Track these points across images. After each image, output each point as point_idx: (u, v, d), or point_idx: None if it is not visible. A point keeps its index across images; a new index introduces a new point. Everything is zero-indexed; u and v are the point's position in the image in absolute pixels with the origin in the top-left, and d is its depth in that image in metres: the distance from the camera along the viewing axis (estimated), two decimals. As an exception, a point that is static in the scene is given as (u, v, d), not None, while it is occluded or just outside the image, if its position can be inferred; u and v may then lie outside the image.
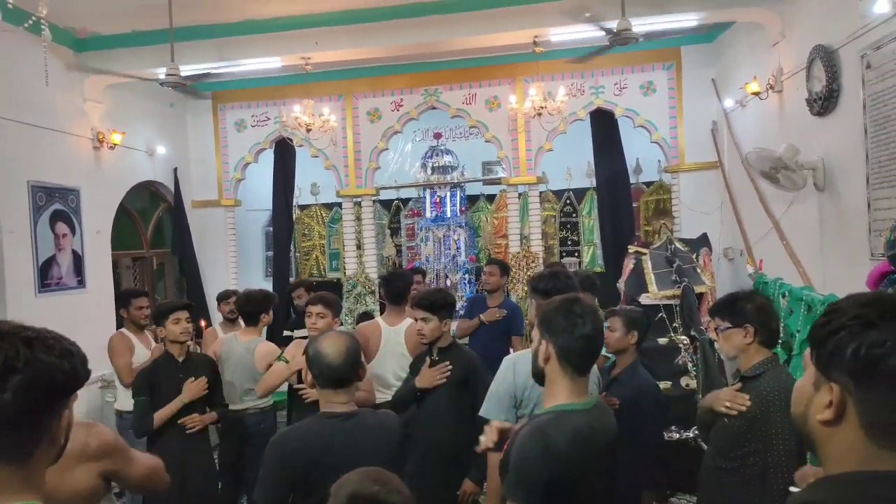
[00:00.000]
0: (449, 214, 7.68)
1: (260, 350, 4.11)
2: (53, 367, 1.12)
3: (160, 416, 3.50)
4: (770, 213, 5.39)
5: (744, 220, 6.11)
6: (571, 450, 1.76)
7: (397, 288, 4.02)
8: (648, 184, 7.74)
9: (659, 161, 7.36)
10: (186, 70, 5.27)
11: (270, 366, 3.82)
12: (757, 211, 5.64)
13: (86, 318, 5.55)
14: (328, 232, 8.54)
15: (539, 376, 1.96)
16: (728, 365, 4.92)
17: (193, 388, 3.58)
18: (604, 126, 7.12)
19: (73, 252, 5.76)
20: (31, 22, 3.83)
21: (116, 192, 6.49)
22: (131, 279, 7.07)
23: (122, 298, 4.90)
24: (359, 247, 7.63)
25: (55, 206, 5.57)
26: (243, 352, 4.14)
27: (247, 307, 4.31)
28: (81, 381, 1.20)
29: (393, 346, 3.83)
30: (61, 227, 5.63)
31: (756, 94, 5.39)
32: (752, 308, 2.42)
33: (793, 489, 1.81)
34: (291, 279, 8.16)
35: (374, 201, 7.70)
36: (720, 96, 6.49)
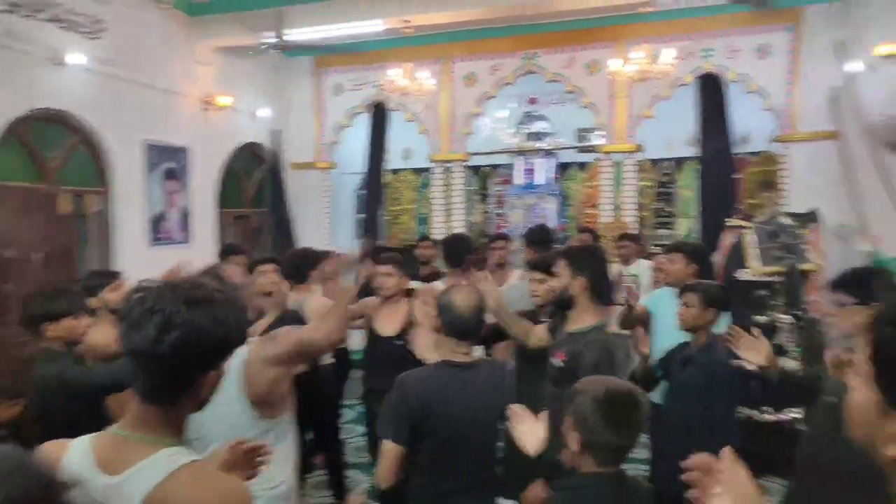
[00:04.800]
0: (542, 182, 7.54)
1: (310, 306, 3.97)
2: (206, 332, 1.19)
3: None
4: (894, 188, 4.94)
5: (864, 195, 5.63)
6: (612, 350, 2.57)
7: (455, 250, 4.02)
8: (755, 154, 7.27)
9: (770, 130, 6.89)
10: (292, 34, 5.40)
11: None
12: (878, 186, 5.18)
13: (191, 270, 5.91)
14: (418, 196, 8.61)
15: (568, 303, 2.68)
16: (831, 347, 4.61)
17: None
18: (711, 92, 6.71)
19: (182, 208, 6.12)
20: (149, -14, 4.03)
21: (222, 153, 6.81)
22: (233, 236, 7.43)
23: (223, 253, 5.16)
24: (447, 212, 7.67)
25: (166, 164, 5.92)
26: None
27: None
28: (233, 346, 1.26)
29: None
30: (171, 185, 5.99)
31: (889, 56, 4.91)
32: (884, 287, 2.26)
33: None
34: (381, 242, 8.31)
35: (464, 167, 7.68)
36: (845, 60, 5.95)
